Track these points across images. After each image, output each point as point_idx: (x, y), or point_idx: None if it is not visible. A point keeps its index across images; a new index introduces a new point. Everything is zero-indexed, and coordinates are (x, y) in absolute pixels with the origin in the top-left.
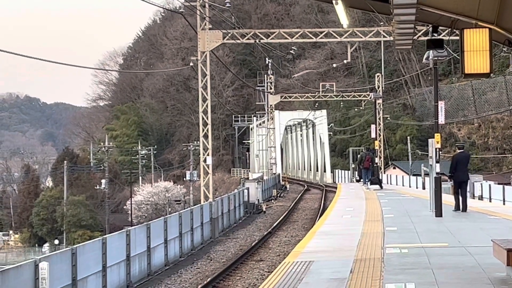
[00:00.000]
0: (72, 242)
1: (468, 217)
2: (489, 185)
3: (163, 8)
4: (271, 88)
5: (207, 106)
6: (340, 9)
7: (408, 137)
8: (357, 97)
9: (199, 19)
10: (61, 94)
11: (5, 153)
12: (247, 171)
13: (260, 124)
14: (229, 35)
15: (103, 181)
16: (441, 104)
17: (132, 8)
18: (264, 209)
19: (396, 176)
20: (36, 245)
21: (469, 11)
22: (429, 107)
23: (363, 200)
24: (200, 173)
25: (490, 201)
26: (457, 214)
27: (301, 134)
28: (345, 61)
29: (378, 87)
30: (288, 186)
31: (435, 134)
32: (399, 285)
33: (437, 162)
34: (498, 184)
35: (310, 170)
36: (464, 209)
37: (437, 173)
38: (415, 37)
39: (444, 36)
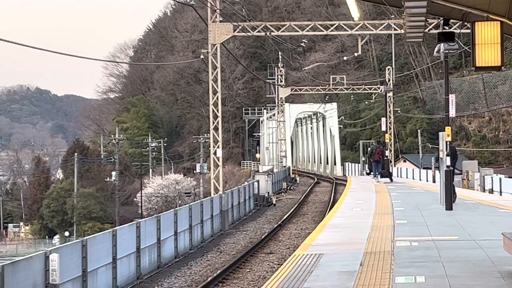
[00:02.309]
0: (82, 234)
1: (479, 210)
2: (500, 178)
3: (174, 0)
4: (281, 81)
5: (217, 98)
6: (351, 2)
7: (419, 130)
8: (367, 90)
9: (209, 11)
10: (71, 86)
11: (15, 145)
12: (257, 163)
13: (270, 117)
14: (240, 27)
15: (113, 173)
16: (452, 97)
17: (143, 1)
18: (274, 202)
19: (406, 169)
20: (47, 237)
21: (480, 4)
22: (439, 100)
23: (373, 193)
24: (210, 166)
25: (501, 194)
26: (467, 207)
27: (311, 127)
28: (355, 54)
29: (389, 80)
30: (298, 179)
31: (446, 127)
32: (409, 278)
33: (447, 155)
34: (509, 177)
35: (320, 163)
36: (453, 199)
37: (447, 166)
38: (426, 30)
39: (455, 29)
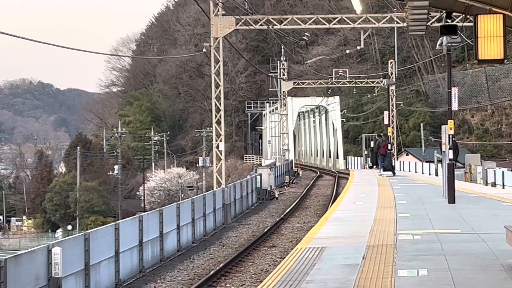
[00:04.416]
0: (85, 228)
1: (481, 203)
2: (502, 171)
3: None
4: (284, 75)
5: (219, 92)
6: None
7: (421, 124)
8: (370, 84)
9: (212, 4)
10: (74, 80)
11: (18, 138)
12: (259, 157)
13: (273, 111)
14: (242, 21)
15: (116, 167)
16: (455, 91)
17: None
18: (276, 195)
19: (409, 162)
20: (49, 230)
21: None
22: (442, 93)
23: (375, 186)
24: (212, 159)
25: (503, 187)
26: (470, 200)
27: (314, 121)
28: (358, 48)
29: (391, 74)
30: (300, 172)
31: (449, 121)
32: (412, 272)
33: (450, 148)
34: (511, 171)
35: (323, 156)
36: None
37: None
38: (429, 23)
39: (458, 22)
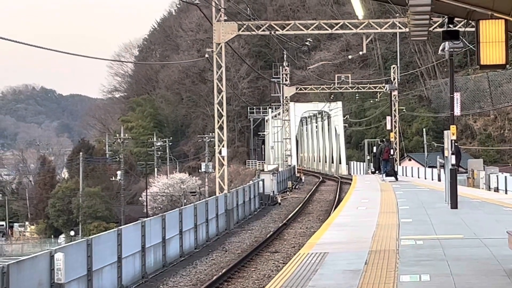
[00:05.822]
0: (87, 233)
1: (484, 208)
2: (505, 177)
3: None
4: (286, 80)
5: (222, 97)
6: (355, 1)
7: (424, 129)
8: (372, 89)
9: (214, 10)
10: (76, 86)
11: (21, 144)
12: (262, 163)
13: (275, 116)
14: (245, 26)
15: (118, 172)
16: (457, 96)
17: (148, 0)
18: (279, 201)
19: (412, 168)
20: (52, 236)
21: (484, 2)
22: (445, 98)
23: (378, 191)
24: (215, 165)
25: (506, 193)
26: (472, 205)
27: (316, 126)
28: (360, 53)
29: (394, 79)
30: (303, 178)
31: (451, 126)
32: (414, 277)
33: (452, 154)
34: None
35: (326, 162)
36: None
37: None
38: (431, 29)
39: (460, 27)
